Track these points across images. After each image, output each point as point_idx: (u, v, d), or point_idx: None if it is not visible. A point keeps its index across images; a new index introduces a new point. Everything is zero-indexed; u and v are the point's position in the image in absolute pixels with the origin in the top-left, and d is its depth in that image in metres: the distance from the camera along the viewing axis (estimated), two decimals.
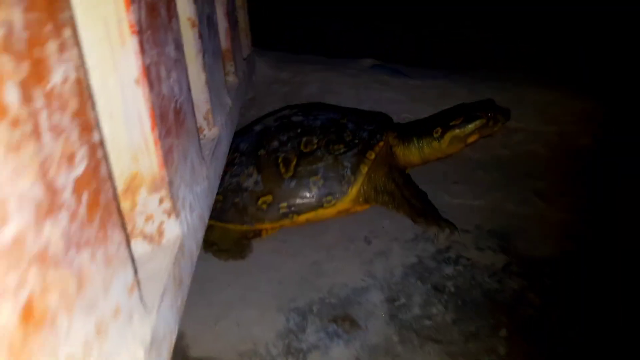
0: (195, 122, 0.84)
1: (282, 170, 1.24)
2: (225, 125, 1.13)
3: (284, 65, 1.90)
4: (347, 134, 1.28)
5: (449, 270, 1.18)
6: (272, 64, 1.91)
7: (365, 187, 1.26)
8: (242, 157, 1.29)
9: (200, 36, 0.97)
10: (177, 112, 0.71)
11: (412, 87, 1.75)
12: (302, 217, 1.24)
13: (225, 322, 1.08)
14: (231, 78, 1.39)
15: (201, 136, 1.03)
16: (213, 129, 1.04)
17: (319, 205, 1.23)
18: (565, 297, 1.09)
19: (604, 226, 1.30)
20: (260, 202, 1.23)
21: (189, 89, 0.81)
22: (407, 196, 1.25)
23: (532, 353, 0.97)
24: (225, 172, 1.27)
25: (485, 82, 1.70)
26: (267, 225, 1.26)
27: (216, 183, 0.98)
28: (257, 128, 1.36)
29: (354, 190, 1.24)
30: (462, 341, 1.00)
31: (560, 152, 1.53)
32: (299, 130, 1.29)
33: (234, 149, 1.31)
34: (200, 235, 0.81)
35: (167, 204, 0.64)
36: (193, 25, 0.93)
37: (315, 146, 1.26)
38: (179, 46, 0.76)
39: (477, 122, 1.29)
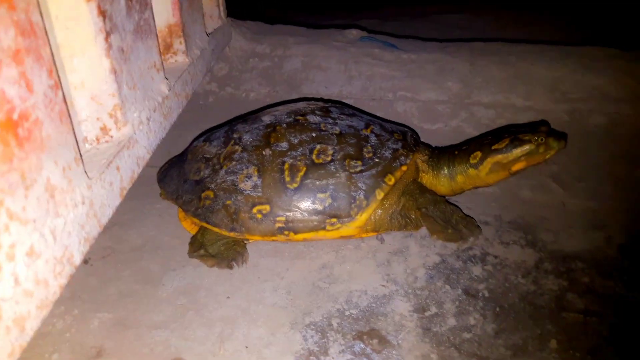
0: (70, 126, 0.68)
1: (287, 178, 1.05)
2: (151, 120, 0.96)
3: (262, 38, 1.71)
4: (367, 150, 1.09)
5: (477, 270, 1.05)
6: (249, 35, 1.71)
7: (376, 215, 1.09)
8: (243, 152, 1.09)
9: (102, 12, 0.79)
10: (14, 125, 0.55)
11: (407, 61, 1.60)
12: (300, 236, 1.06)
13: (231, 344, 0.92)
14: (180, 58, 1.21)
15: (105, 138, 0.87)
16: (123, 128, 0.87)
17: (320, 227, 1.05)
18: (608, 297, 0.98)
19: (629, 214, 1.20)
20: (255, 210, 1.05)
21: (56, 86, 0.64)
22: (423, 204, 1.10)
23: None
24: (221, 167, 1.09)
25: (486, 56, 1.57)
26: (257, 238, 1.09)
27: (112, 201, 0.80)
28: (266, 119, 1.15)
29: (363, 217, 1.06)
30: (510, 356, 0.88)
31: (571, 132, 1.41)
32: (314, 135, 1.10)
33: (236, 139, 1.12)
34: (54, 289, 0.63)
35: None
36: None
37: (329, 158, 1.07)
38: (27, 31, 0.58)
39: (526, 148, 1.09)
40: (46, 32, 0.63)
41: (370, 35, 1.75)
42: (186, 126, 1.52)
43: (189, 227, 1.17)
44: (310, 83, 1.62)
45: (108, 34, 0.81)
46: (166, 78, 1.08)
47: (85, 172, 0.72)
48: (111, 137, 0.87)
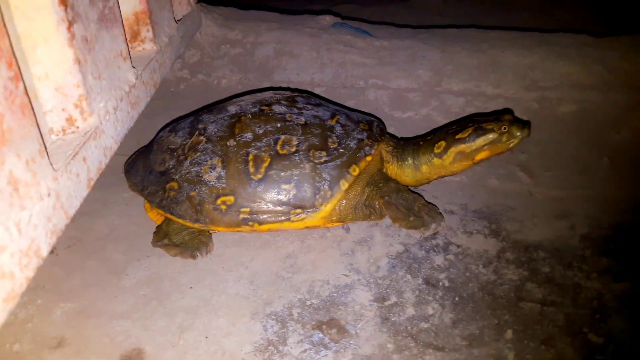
0: (33, 118, 0.67)
1: (252, 169, 1.05)
2: (117, 110, 0.95)
3: (234, 24, 1.69)
4: (332, 140, 1.09)
5: (439, 260, 1.06)
6: (220, 21, 1.69)
7: (341, 206, 1.09)
8: (207, 143, 1.09)
9: (64, 1, 0.77)
10: None
11: (379, 48, 1.59)
12: (264, 227, 1.06)
13: (191, 334, 0.92)
14: (148, 45, 1.19)
15: (71, 129, 0.86)
16: (89, 118, 0.86)
17: (285, 218, 1.05)
18: (566, 287, 1.00)
19: (594, 203, 1.21)
20: (219, 201, 1.05)
21: (16, 78, 0.63)
22: (386, 192, 1.10)
23: (542, 358, 0.87)
24: (185, 157, 1.08)
25: (458, 43, 1.56)
26: (221, 229, 1.08)
27: (79, 192, 0.80)
28: (232, 110, 1.14)
29: (327, 208, 1.06)
30: (466, 346, 0.89)
31: (541, 120, 1.42)
32: (278, 125, 1.09)
33: (200, 130, 1.12)
34: (20, 281, 0.63)
35: None
36: None
37: (293, 149, 1.07)
38: None
39: (489, 136, 1.09)
40: (5, 22, 0.61)
41: (343, 21, 1.73)
42: (157, 114, 1.51)
43: (155, 217, 1.16)
44: (282, 70, 1.61)
45: (71, 24, 0.79)
46: (133, 67, 1.07)
47: (51, 163, 0.71)
48: (77, 127, 0.86)
